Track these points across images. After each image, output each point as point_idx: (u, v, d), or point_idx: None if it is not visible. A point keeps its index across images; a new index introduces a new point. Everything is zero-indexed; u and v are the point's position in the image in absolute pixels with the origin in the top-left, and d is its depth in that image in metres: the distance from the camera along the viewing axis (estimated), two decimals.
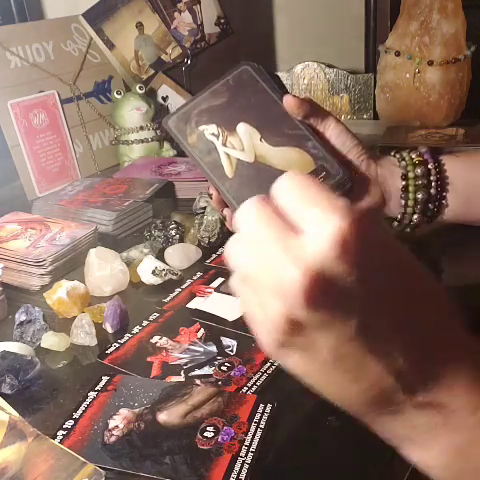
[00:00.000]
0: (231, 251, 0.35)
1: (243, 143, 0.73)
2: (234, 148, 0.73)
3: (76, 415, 0.57)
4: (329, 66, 1.44)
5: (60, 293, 0.73)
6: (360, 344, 0.32)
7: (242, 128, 0.74)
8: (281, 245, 0.32)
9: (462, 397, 0.34)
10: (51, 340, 0.68)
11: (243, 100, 0.75)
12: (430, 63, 1.28)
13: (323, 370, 0.34)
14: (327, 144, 0.75)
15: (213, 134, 0.74)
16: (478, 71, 1.31)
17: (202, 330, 0.69)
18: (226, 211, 0.77)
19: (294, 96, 0.74)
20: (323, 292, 0.31)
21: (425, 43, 1.28)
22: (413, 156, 0.79)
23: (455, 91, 1.30)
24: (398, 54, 1.30)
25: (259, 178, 0.72)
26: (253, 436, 0.53)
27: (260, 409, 0.56)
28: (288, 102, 0.74)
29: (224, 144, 0.73)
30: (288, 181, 0.34)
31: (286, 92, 0.77)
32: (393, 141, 1.20)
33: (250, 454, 0.51)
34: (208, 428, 0.54)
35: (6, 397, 0.58)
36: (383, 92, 1.36)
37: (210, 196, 0.79)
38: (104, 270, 0.78)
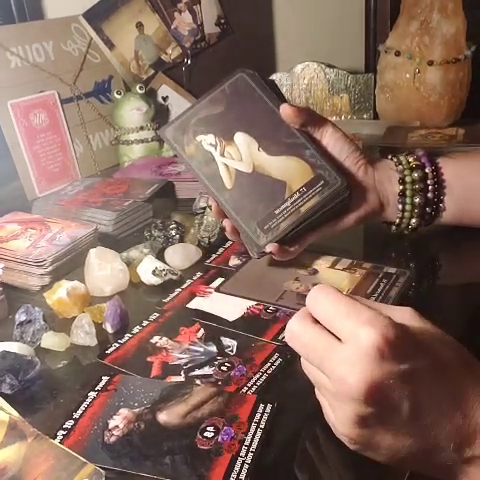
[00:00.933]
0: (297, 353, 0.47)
1: (241, 153, 0.72)
2: (232, 158, 0.72)
3: (76, 415, 0.57)
4: (329, 66, 1.44)
5: (60, 293, 0.73)
6: (413, 425, 0.42)
7: (240, 137, 0.73)
8: (333, 356, 0.42)
9: None
10: (51, 340, 0.68)
11: (240, 109, 0.74)
12: (430, 63, 1.28)
13: (391, 446, 0.44)
14: (325, 152, 0.74)
15: (211, 144, 0.73)
16: (478, 71, 1.31)
17: (202, 330, 0.69)
18: (226, 222, 0.76)
19: (291, 105, 0.73)
20: (377, 390, 0.41)
21: (425, 43, 1.28)
22: (410, 160, 0.78)
23: (455, 91, 1.30)
24: (398, 54, 1.30)
25: (258, 189, 0.71)
26: (253, 436, 0.53)
27: (260, 409, 0.56)
28: (285, 111, 0.73)
29: (222, 154, 0.72)
30: (320, 295, 0.45)
31: (283, 98, 0.76)
32: (393, 141, 1.19)
33: (250, 454, 0.51)
34: (208, 428, 0.54)
35: (6, 397, 0.58)
36: (383, 92, 1.36)
37: (210, 207, 0.78)
38: (104, 270, 0.78)
